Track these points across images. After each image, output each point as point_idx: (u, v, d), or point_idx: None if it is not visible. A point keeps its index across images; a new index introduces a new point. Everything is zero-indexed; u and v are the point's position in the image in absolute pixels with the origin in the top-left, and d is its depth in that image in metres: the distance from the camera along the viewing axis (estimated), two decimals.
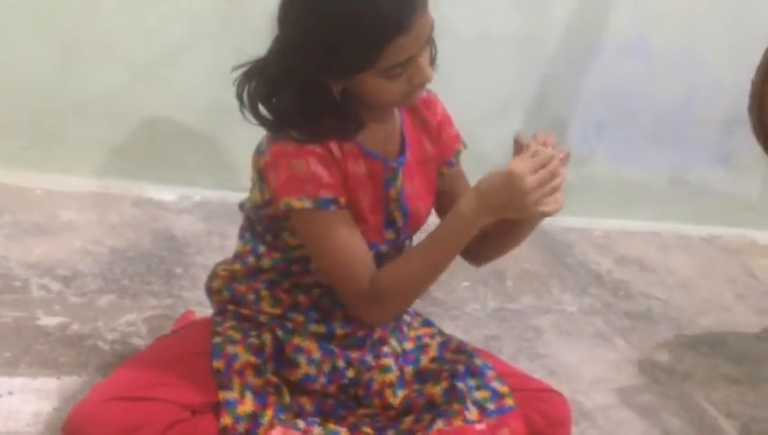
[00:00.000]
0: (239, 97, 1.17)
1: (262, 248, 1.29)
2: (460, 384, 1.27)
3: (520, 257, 2.43)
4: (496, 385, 1.28)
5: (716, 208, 2.83)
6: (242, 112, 1.18)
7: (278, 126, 1.16)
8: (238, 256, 1.34)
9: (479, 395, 1.27)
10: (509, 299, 2.21)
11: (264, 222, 1.27)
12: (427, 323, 1.46)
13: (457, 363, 1.32)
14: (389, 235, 1.27)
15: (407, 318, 1.41)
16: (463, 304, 2.14)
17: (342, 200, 1.17)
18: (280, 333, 1.28)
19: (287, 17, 1.12)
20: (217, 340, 1.27)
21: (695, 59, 2.60)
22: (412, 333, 1.41)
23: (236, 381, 1.23)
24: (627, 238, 2.67)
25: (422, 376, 1.32)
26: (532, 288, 2.29)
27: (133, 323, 1.77)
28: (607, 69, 2.57)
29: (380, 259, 1.25)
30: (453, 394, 1.26)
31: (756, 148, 2.79)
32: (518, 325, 2.09)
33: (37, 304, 1.77)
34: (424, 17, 1.09)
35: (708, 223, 2.82)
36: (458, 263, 2.28)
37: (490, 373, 1.31)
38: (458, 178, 1.37)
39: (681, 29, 2.55)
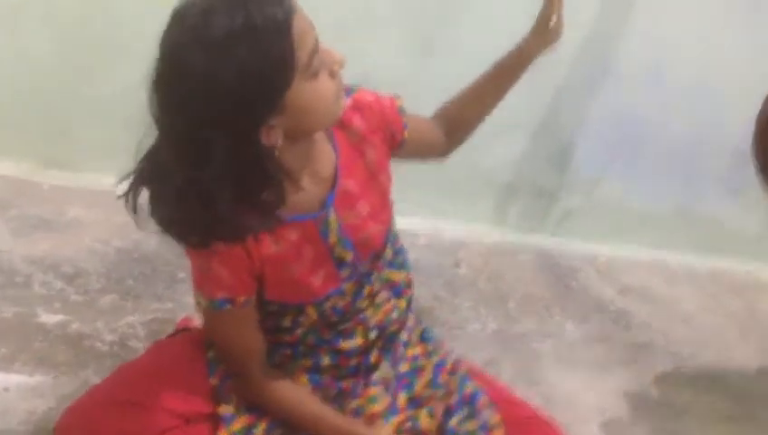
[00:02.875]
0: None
1: None
2: (452, 423, 1.27)
3: (524, 280, 2.43)
4: (487, 414, 1.29)
5: (724, 242, 2.80)
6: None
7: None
8: None
9: (469, 427, 1.28)
10: (511, 321, 2.21)
11: None
12: (425, 337, 1.44)
13: (451, 393, 1.32)
14: (345, 273, 1.24)
15: (404, 336, 1.39)
16: (464, 324, 2.14)
17: (241, 298, 1.17)
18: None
19: (178, 86, 1.00)
20: (212, 355, 1.27)
21: (707, 90, 2.58)
22: (409, 352, 1.40)
23: (233, 397, 1.24)
24: (631, 267, 2.66)
25: (415, 402, 1.32)
26: (535, 312, 2.28)
27: (133, 325, 1.78)
28: (619, 95, 2.55)
29: (343, 296, 1.25)
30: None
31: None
32: (518, 349, 2.08)
33: (38, 300, 1.77)
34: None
35: (715, 256, 2.80)
36: (462, 283, 2.32)
37: (482, 400, 1.31)
38: (417, 127, 1.35)
39: (695, 60, 2.53)
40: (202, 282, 1.17)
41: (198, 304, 1.20)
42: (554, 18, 1.29)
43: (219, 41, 0.96)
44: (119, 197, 1.09)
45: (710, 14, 2.45)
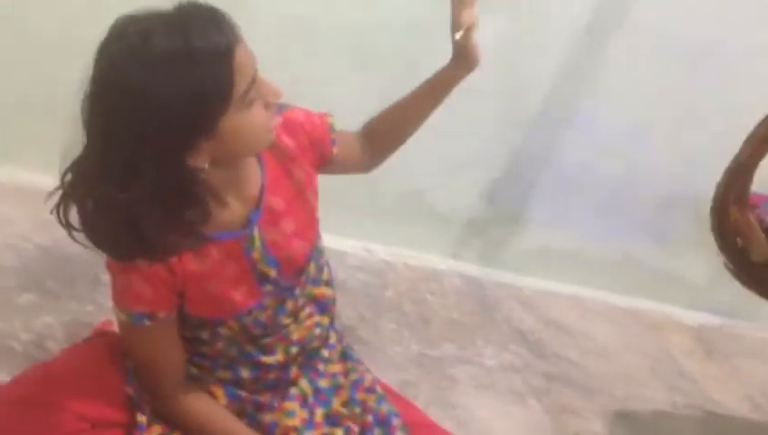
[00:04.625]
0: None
1: None
2: None
3: (448, 306, 2.46)
4: None
5: (644, 283, 2.90)
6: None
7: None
8: None
9: None
10: (431, 346, 2.23)
11: None
12: (346, 355, 1.46)
13: (366, 413, 1.33)
14: (267, 289, 1.25)
15: (324, 353, 1.41)
16: (385, 346, 2.16)
17: (162, 314, 1.17)
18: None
19: (113, 101, 1.00)
20: (131, 364, 1.26)
21: (639, 137, 2.68)
22: (329, 369, 1.41)
23: (148, 409, 1.23)
24: (554, 300, 2.72)
25: (332, 419, 1.33)
26: (456, 337, 2.31)
27: (50, 325, 1.74)
28: (553, 135, 2.63)
29: (265, 310, 1.26)
30: None
31: (689, 229, 2.90)
32: (436, 373, 2.11)
33: None
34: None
35: (634, 296, 2.89)
36: (388, 305, 2.34)
37: (395, 422, 1.32)
38: (345, 143, 1.37)
39: (629, 107, 2.63)
40: (122, 296, 1.17)
41: (117, 317, 1.19)
42: (466, 45, 1.32)
43: (158, 60, 0.98)
44: (51, 211, 1.09)
45: (645, 62, 2.55)
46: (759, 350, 2.82)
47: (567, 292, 2.80)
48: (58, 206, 1.09)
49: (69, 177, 1.08)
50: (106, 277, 1.94)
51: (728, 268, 1.85)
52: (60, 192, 1.09)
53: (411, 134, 1.45)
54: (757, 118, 1.71)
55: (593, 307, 2.77)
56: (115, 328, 1.59)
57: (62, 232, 2.06)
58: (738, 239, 1.80)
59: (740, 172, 1.75)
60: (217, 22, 1.02)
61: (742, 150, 1.74)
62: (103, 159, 1.03)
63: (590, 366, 2.38)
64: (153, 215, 1.03)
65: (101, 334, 1.50)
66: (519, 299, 2.66)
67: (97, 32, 1.03)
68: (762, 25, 2.49)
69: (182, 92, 0.98)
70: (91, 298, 1.88)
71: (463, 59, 1.35)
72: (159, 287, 1.15)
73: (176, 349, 1.24)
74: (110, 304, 1.84)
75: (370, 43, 2.36)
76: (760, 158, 1.72)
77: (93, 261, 2.00)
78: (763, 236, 1.75)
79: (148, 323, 1.17)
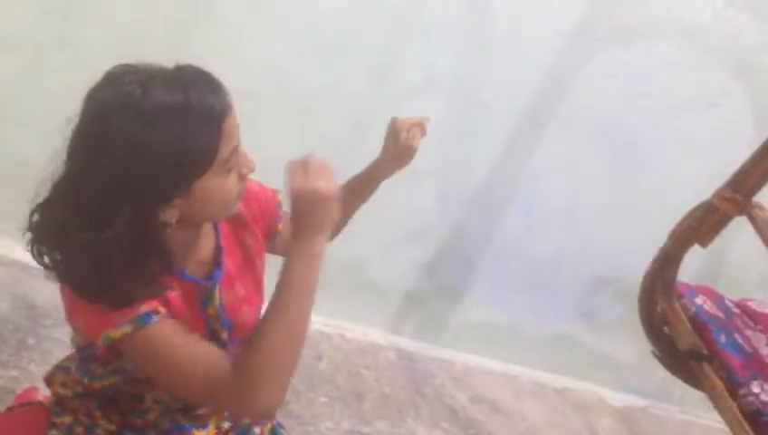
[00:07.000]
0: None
1: (87, 379, 1.22)
2: None
3: (382, 380, 2.46)
4: None
5: (572, 362, 2.95)
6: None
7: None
8: (67, 381, 1.28)
9: None
10: (363, 422, 2.22)
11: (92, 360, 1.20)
12: (274, 433, 1.45)
13: None
14: None
15: (256, 430, 1.40)
16: (317, 421, 2.14)
17: (163, 309, 1.09)
18: None
19: (99, 146, 1.00)
20: (54, 433, 1.22)
21: (570, 218, 2.76)
22: None
23: None
24: (485, 377, 2.75)
25: None
26: (388, 414, 2.31)
27: None
28: (490, 214, 2.70)
29: None
30: None
31: (616, 310, 2.97)
32: None
33: None
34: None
35: (563, 374, 2.93)
36: (321, 378, 2.32)
37: None
38: (289, 223, 1.35)
39: (562, 189, 2.72)
40: (107, 315, 1.06)
41: (119, 337, 1.06)
42: (403, 138, 1.39)
43: (151, 112, 0.99)
44: (34, 258, 1.08)
45: (579, 149, 2.65)
46: (682, 433, 2.88)
47: (498, 368, 2.83)
48: (31, 247, 1.08)
49: (36, 217, 1.08)
50: (32, 341, 1.92)
51: (656, 355, 1.90)
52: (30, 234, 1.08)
53: (344, 225, 1.47)
54: (680, 203, 1.78)
55: (524, 385, 2.80)
56: (40, 396, 1.55)
57: None
58: (665, 328, 1.86)
59: (666, 263, 1.82)
60: (214, 86, 1.05)
61: (667, 242, 1.81)
62: (80, 202, 1.03)
63: None
64: (117, 261, 1.03)
65: (24, 404, 1.45)
66: (451, 375, 2.68)
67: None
68: (695, 121, 2.63)
69: (170, 147, 0.99)
70: (15, 363, 1.83)
71: (394, 156, 1.41)
72: None
73: (200, 338, 1.12)
74: (35, 369, 1.82)
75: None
76: (684, 249, 1.79)
77: (20, 325, 1.97)
78: (688, 325, 1.82)
79: (156, 318, 1.07)
